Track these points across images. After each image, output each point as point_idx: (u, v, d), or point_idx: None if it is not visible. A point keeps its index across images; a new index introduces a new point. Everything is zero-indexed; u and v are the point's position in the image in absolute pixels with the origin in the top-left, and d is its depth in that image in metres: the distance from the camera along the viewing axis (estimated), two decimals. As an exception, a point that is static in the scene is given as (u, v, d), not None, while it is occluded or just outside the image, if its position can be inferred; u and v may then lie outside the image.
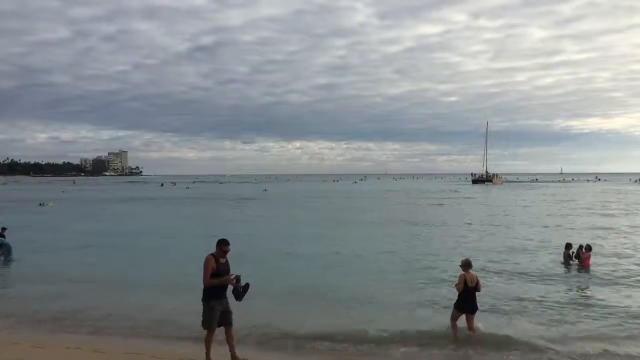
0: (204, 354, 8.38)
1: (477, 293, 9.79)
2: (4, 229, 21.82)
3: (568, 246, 17.91)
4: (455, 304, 9.93)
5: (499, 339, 9.79)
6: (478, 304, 9.94)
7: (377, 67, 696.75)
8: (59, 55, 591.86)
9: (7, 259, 19.76)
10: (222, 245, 8.32)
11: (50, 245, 23.84)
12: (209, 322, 8.23)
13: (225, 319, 8.29)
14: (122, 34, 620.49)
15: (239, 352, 8.51)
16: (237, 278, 8.26)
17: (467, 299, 9.75)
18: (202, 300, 8.29)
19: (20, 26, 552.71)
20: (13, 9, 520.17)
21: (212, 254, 8.29)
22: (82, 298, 13.42)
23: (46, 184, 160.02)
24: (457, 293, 9.84)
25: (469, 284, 9.70)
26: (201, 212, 46.04)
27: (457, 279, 9.91)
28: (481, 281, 10.04)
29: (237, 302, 8.34)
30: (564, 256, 17.74)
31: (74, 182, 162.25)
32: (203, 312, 8.28)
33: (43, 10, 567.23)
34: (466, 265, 9.84)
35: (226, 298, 8.35)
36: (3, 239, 20.44)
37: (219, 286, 8.23)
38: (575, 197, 64.11)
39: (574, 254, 17.41)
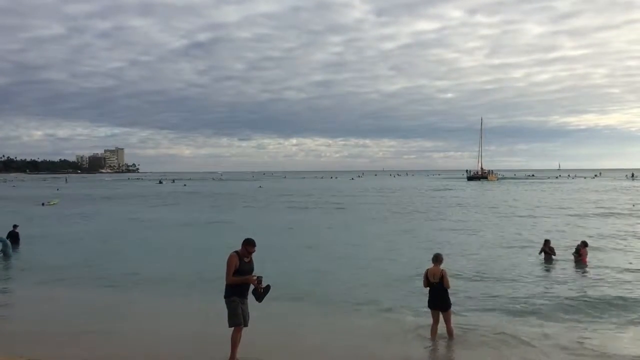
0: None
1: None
2: (15, 225, 22.10)
3: (546, 243, 18.37)
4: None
5: (480, 339, 9.72)
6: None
7: (374, 63, 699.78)
8: (54, 52, 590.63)
9: (6, 255, 19.61)
10: (248, 246, 8.22)
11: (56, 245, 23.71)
12: (235, 319, 8.11)
13: (243, 319, 8.20)
14: (117, 31, 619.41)
15: (240, 354, 8.37)
16: (259, 279, 8.17)
17: (431, 295, 9.61)
18: (224, 297, 8.19)
19: (15, 23, 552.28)
20: (8, 5, 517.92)
21: (236, 252, 8.19)
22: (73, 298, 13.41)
23: (43, 181, 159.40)
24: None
25: (431, 279, 9.55)
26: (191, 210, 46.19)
27: None
28: (449, 278, 9.67)
29: (258, 303, 8.28)
30: (543, 251, 18.17)
31: (66, 181, 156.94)
32: (228, 310, 8.16)
33: (38, 6, 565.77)
34: (433, 259, 9.72)
35: (247, 298, 8.26)
36: (2, 236, 20.44)
37: (241, 285, 8.14)
38: (563, 194, 64.20)
39: (573, 251, 17.80)
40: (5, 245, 19.61)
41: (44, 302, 13.03)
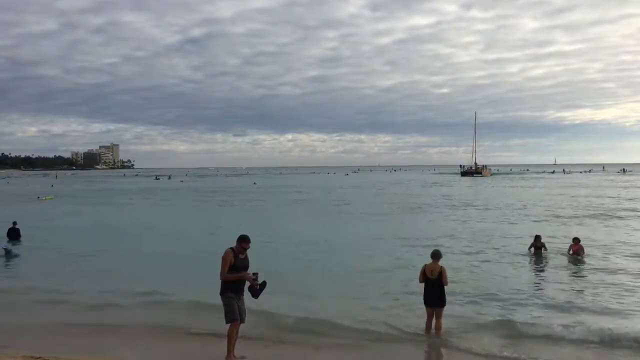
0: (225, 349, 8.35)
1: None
2: (14, 222, 22.36)
3: (537, 239, 18.49)
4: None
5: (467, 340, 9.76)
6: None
7: (369, 58, 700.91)
8: (47, 48, 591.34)
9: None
10: (242, 242, 8.30)
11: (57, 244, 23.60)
12: (231, 315, 8.21)
13: (239, 315, 8.30)
14: (111, 26, 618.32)
15: (237, 350, 8.51)
16: (255, 275, 8.26)
17: (428, 291, 9.69)
18: (220, 294, 8.30)
19: (8, 18, 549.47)
20: (0, 1, 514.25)
21: (231, 248, 8.27)
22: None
23: (43, 177, 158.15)
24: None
25: (429, 276, 9.62)
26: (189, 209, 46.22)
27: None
28: (448, 275, 9.77)
29: (254, 299, 8.37)
30: (533, 247, 18.36)
31: (56, 177, 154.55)
32: (224, 306, 8.26)
33: (31, 2, 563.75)
34: (432, 255, 9.83)
35: (243, 295, 8.37)
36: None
37: (237, 281, 8.23)
38: (554, 190, 64.09)
39: (568, 248, 17.90)
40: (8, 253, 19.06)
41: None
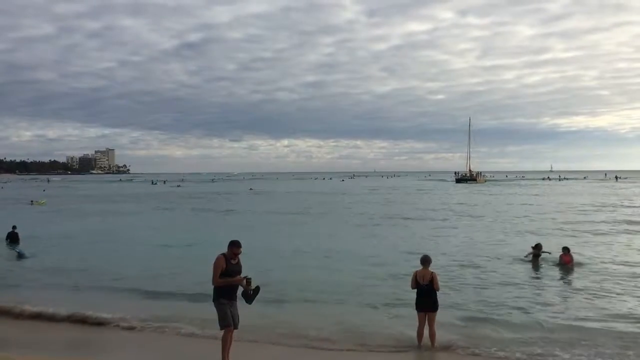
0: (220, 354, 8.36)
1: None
2: (14, 227, 22.52)
3: (538, 247, 18.51)
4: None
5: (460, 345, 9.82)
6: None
7: (365, 64, 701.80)
8: (44, 52, 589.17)
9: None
10: (233, 247, 8.30)
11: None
12: (224, 321, 8.21)
13: (232, 321, 8.31)
14: (107, 31, 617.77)
15: (231, 356, 8.50)
16: (248, 280, 8.22)
17: (420, 297, 9.71)
18: (213, 300, 8.30)
19: (5, 22, 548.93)
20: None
21: (222, 254, 8.28)
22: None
23: (36, 181, 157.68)
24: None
25: (421, 282, 9.68)
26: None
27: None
28: (439, 280, 9.82)
29: (248, 305, 8.37)
30: (533, 255, 18.34)
31: (48, 181, 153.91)
32: (217, 312, 8.26)
33: (27, 6, 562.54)
34: (422, 261, 9.84)
35: (236, 301, 8.37)
36: None
37: (229, 287, 8.23)
38: (548, 198, 64.37)
39: (559, 258, 17.84)
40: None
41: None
